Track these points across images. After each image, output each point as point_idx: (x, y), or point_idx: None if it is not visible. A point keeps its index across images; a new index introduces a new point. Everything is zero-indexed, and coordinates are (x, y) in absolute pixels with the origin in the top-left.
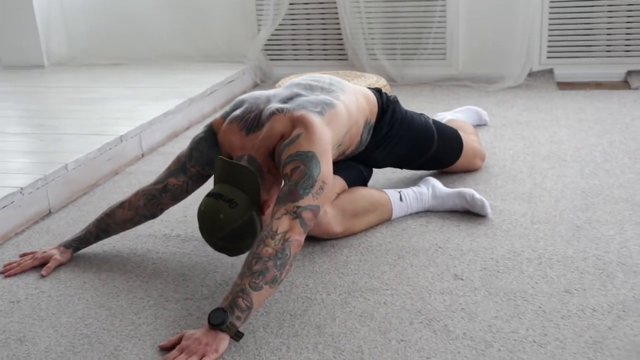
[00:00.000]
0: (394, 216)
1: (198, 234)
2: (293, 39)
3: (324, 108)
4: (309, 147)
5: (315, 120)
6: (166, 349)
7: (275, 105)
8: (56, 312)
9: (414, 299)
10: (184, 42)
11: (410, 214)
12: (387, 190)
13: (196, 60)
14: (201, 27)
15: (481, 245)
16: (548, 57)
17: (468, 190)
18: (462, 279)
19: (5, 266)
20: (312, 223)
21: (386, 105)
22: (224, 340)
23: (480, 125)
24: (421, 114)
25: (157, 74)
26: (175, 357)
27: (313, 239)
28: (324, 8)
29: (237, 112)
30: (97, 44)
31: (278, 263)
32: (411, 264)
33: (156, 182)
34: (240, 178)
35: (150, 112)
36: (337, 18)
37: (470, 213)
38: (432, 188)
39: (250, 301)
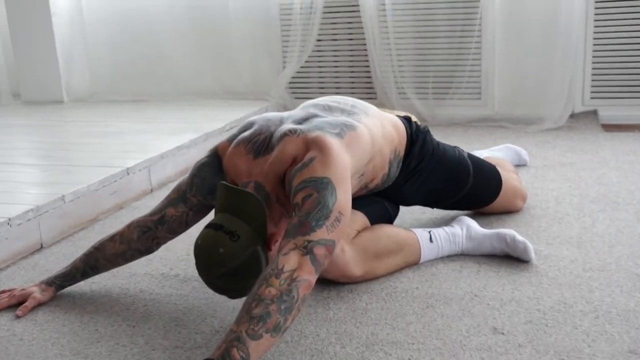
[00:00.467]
0: (422, 259)
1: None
2: (320, 76)
3: (343, 130)
4: (323, 173)
5: (332, 142)
6: None
7: (287, 126)
8: (25, 358)
9: (445, 356)
10: (208, 79)
11: (442, 258)
12: (415, 230)
13: (220, 98)
14: (226, 64)
15: (525, 295)
16: (592, 98)
17: (508, 231)
18: (502, 334)
19: None
20: (325, 261)
21: (416, 135)
22: None
23: (519, 165)
24: (455, 147)
25: (178, 110)
26: None
27: (328, 283)
28: (353, 45)
29: (245, 133)
30: (119, 81)
31: (282, 307)
32: (442, 314)
33: (152, 213)
34: (244, 207)
35: (163, 146)
36: (366, 54)
37: (510, 258)
38: (466, 228)
39: (247, 352)
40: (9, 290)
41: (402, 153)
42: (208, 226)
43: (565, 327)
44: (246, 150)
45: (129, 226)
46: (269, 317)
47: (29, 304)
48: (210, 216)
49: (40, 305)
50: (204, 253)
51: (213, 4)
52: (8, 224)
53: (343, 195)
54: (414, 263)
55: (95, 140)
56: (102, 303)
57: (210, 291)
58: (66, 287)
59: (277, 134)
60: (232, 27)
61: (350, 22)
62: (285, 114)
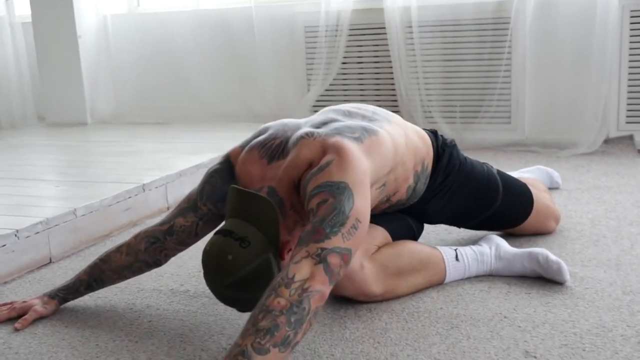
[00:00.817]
0: (447, 279)
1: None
2: (345, 99)
3: (363, 134)
4: (340, 177)
5: (351, 146)
6: None
7: (304, 129)
8: None
9: None
10: (232, 102)
11: (469, 278)
12: (440, 247)
13: (244, 120)
14: (250, 87)
15: (559, 317)
16: (627, 122)
17: (541, 250)
18: (535, 357)
19: None
20: (341, 271)
21: (442, 149)
22: None
23: (552, 188)
24: (484, 163)
25: (200, 131)
26: None
27: (346, 301)
28: (378, 66)
29: (260, 138)
30: (144, 103)
31: (292, 319)
32: (468, 336)
33: (162, 223)
34: (255, 212)
35: (181, 164)
36: (392, 77)
37: (543, 279)
38: (495, 247)
39: None
40: (10, 303)
41: (430, 166)
42: (217, 232)
43: (604, 352)
44: (260, 155)
45: (136, 237)
46: (277, 329)
47: (29, 316)
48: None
49: (41, 318)
50: (212, 260)
51: (238, 26)
52: (16, 235)
53: (361, 201)
54: (439, 283)
55: (113, 158)
56: (106, 318)
57: (220, 307)
58: (70, 300)
59: (294, 137)
60: (257, 49)
61: (376, 44)
62: (303, 120)
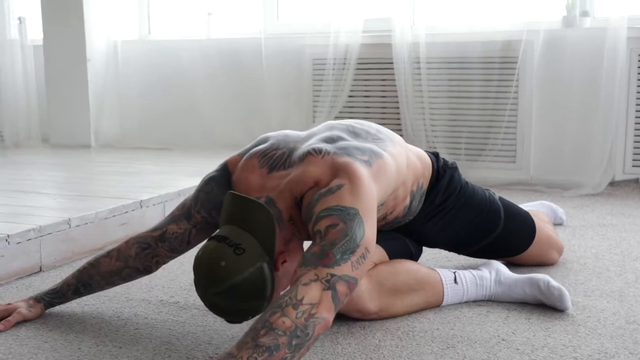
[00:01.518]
0: (445, 302)
1: (201, 303)
2: None
3: (372, 157)
4: (352, 203)
5: (363, 171)
6: None
7: (312, 144)
8: None
9: None
10: (238, 131)
11: (467, 302)
12: (438, 270)
13: None
14: (256, 117)
15: (559, 342)
16: (634, 166)
17: (542, 276)
18: None
19: None
20: (345, 301)
21: (443, 170)
22: None
23: (555, 224)
24: (486, 189)
25: (203, 157)
26: None
27: (339, 317)
28: (385, 101)
29: (260, 147)
30: (149, 129)
31: (294, 342)
32: (464, 356)
33: (154, 229)
34: (252, 219)
35: (181, 184)
36: (398, 112)
37: (544, 306)
38: (495, 272)
39: None
40: None
41: (425, 186)
42: (211, 238)
43: None
44: (260, 164)
45: (127, 242)
46: (277, 349)
47: (12, 318)
48: None
49: (25, 321)
50: (204, 266)
51: (247, 57)
52: (7, 240)
53: (370, 231)
54: (436, 305)
55: (112, 177)
56: (91, 324)
57: (209, 319)
58: (56, 305)
59: (299, 151)
60: (265, 80)
61: (383, 79)
62: (304, 132)
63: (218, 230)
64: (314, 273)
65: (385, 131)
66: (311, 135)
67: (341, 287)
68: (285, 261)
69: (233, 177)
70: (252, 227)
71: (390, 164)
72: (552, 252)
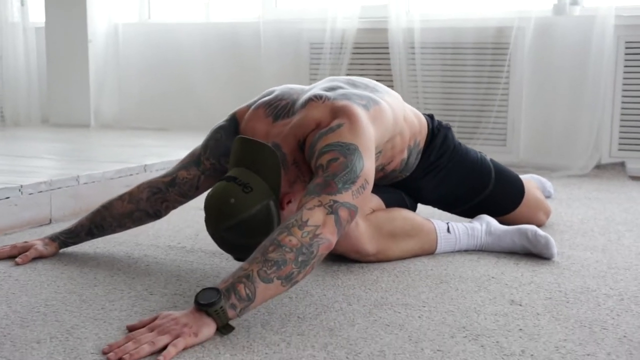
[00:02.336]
0: (438, 249)
1: (207, 248)
2: None
3: (369, 102)
4: (351, 140)
5: (361, 112)
6: (135, 330)
7: (313, 92)
8: (17, 292)
9: (457, 316)
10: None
11: (459, 251)
12: (432, 220)
13: None
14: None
15: (545, 280)
16: (620, 150)
17: (530, 226)
18: (520, 305)
19: None
20: (347, 226)
21: (437, 130)
22: (209, 326)
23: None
24: (479, 152)
25: (201, 136)
26: (141, 336)
27: (339, 258)
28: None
29: (266, 98)
30: (148, 109)
31: (300, 259)
32: (456, 288)
33: (164, 175)
34: (259, 160)
35: (181, 154)
36: None
37: (532, 255)
38: (486, 224)
39: (254, 291)
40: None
41: (422, 144)
42: (221, 179)
43: (587, 304)
44: (265, 114)
45: (139, 186)
46: (285, 264)
47: (29, 253)
48: None
49: (41, 257)
50: (214, 203)
51: (246, 41)
52: (20, 191)
53: (369, 164)
54: (429, 252)
55: (115, 149)
56: (104, 261)
57: (216, 259)
58: (70, 244)
59: (301, 100)
60: (263, 63)
61: (379, 63)
62: (308, 86)
63: (227, 173)
64: (318, 200)
65: (383, 87)
66: (313, 87)
67: (343, 213)
68: (290, 201)
69: (240, 127)
70: (260, 168)
71: (387, 111)
72: (540, 214)
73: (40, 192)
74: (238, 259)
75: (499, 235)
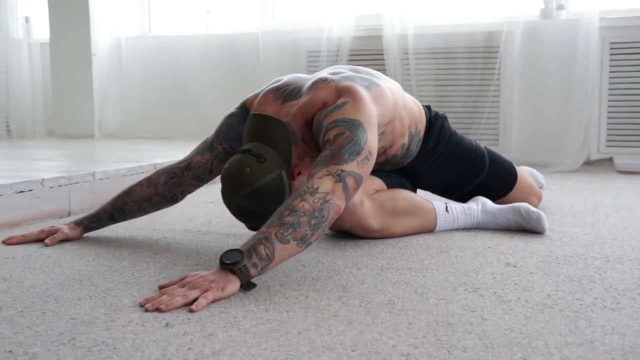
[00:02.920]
0: (437, 227)
1: (222, 230)
2: None
3: (371, 84)
4: (356, 116)
5: (363, 92)
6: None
7: (318, 75)
8: (51, 265)
9: (457, 276)
10: None
11: (457, 230)
12: (432, 200)
13: None
14: None
15: (538, 248)
16: (607, 146)
17: (522, 204)
18: (515, 266)
19: (7, 238)
20: (353, 193)
21: (434, 119)
22: (234, 282)
23: None
24: (473, 140)
25: None
26: (174, 290)
27: (346, 235)
28: None
29: (274, 85)
30: (150, 120)
31: (312, 222)
32: (456, 256)
33: (180, 161)
34: (271, 133)
35: None
36: None
37: (526, 231)
38: (481, 204)
39: (272, 252)
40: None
41: (422, 132)
42: (236, 153)
43: (576, 264)
44: (275, 97)
45: (156, 172)
46: (299, 226)
47: (57, 236)
48: None
49: (67, 240)
50: (231, 173)
51: (245, 51)
52: (42, 184)
53: (372, 138)
54: (430, 230)
55: (123, 153)
56: (127, 242)
57: (231, 238)
58: (93, 229)
59: (308, 83)
60: (262, 72)
61: (374, 69)
62: (312, 75)
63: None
64: (327, 170)
65: (385, 76)
66: (319, 73)
67: (350, 181)
68: (300, 173)
69: (251, 112)
70: (272, 141)
71: (387, 93)
72: (532, 198)
73: (60, 186)
74: (252, 228)
75: (494, 214)
